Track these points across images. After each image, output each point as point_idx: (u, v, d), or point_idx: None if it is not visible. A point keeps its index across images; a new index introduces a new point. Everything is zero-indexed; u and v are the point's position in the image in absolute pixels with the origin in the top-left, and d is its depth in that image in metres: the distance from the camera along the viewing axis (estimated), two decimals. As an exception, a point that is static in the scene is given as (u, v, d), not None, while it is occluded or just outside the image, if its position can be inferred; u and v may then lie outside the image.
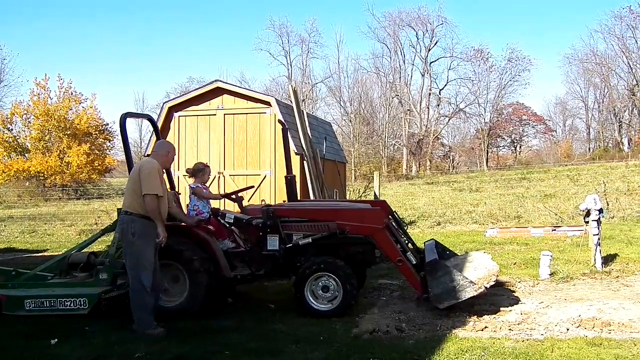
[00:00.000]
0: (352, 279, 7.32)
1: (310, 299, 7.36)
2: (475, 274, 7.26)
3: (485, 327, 6.71)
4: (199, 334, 6.75)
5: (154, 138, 13.21)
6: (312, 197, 11.68)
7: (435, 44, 62.09)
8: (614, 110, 62.41)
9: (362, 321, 7.12)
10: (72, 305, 7.64)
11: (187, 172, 8.42)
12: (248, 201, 8.99)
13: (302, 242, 7.61)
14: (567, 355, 5.53)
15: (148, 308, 6.81)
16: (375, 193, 16.00)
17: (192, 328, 7.00)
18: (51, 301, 7.71)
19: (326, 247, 7.68)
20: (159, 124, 12.90)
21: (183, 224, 7.79)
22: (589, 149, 66.73)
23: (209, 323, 7.16)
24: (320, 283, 7.34)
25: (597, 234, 9.76)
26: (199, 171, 8.22)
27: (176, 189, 8.81)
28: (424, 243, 8.15)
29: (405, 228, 8.15)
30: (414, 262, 7.45)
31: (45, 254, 14.98)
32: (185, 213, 8.09)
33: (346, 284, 7.24)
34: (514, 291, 8.47)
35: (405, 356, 5.67)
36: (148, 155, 7.66)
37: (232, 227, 8.10)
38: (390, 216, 8.05)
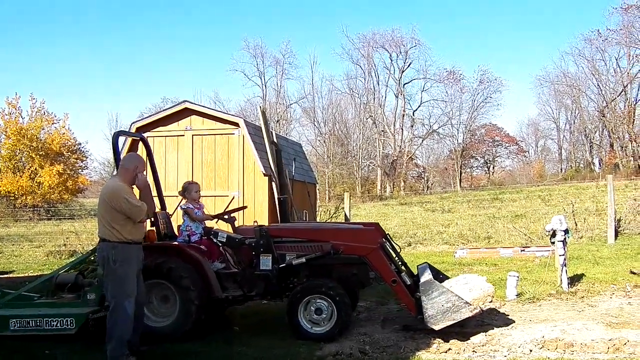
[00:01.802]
0: (345, 301, 7.23)
1: (304, 321, 7.25)
2: (471, 295, 7.19)
3: (449, 349, 6.70)
4: (161, 357, 6.66)
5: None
6: (279, 219, 11.63)
7: (409, 65, 62.69)
8: (585, 131, 63.26)
9: (326, 343, 7.06)
10: (58, 325, 7.49)
11: (179, 193, 8.38)
12: (216, 223, 8.88)
13: (296, 262, 7.50)
14: (529, 377, 5.52)
15: (125, 337, 6.57)
16: (345, 214, 16.00)
17: (154, 351, 6.91)
18: (37, 321, 7.55)
19: (320, 267, 7.60)
20: (127, 145, 12.83)
21: (171, 243, 7.77)
22: (561, 169, 67.45)
23: (172, 346, 7.05)
24: (313, 305, 7.24)
25: (563, 255, 9.81)
26: (185, 190, 8.20)
27: (167, 209, 8.67)
28: (417, 266, 8.07)
29: (399, 251, 8.03)
30: (409, 283, 7.37)
31: (11, 275, 14.73)
32: (178, 234, 8.05)
33: (340, 306, 7.15)
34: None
35: (367, 379, 5.62)
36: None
37: (223, 248, 8.00)
38: (383, 238, 7.98)
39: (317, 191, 35.90)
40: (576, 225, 17.06)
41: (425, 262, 8.37)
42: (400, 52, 62.38)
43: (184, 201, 8.27)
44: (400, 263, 7.80)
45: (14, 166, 42.39)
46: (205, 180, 12.18)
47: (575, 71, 62.43)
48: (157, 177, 8.62)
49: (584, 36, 62.17)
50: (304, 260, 7.49)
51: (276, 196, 11.95)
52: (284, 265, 7.55)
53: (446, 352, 6.60)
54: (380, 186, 57.92)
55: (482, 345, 6.77)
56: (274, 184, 11.98)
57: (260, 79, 64.22)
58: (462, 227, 20.49)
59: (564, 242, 9.85)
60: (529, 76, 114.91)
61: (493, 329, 7.41)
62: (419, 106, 63.31)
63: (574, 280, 10.31)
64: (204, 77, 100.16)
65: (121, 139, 9.06)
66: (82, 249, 18.33)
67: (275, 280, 7.54)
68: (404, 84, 62.66)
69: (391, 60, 62.99)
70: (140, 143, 9.13)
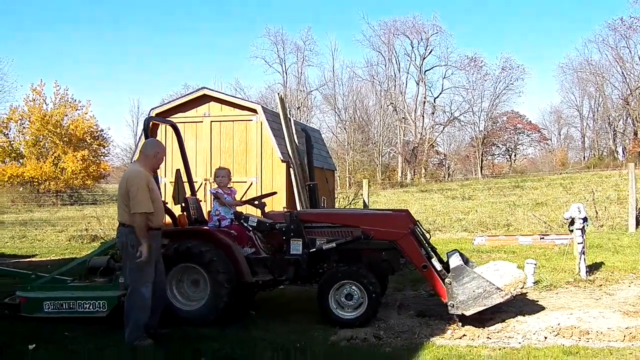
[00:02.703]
0: (376, 287, 7.22)
1: (334, 306, 7.25)
2: (502, 281, 7.12)
3: (464, 335, 6.70)
4: (178, 341, 6.73)
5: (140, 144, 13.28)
6: (298, 205, 11.66)
7: (430, 52, 62.34)
8: (609, 119, 62.55)
9: (340, 329, 7.09)
10: (90, 307, 7.62)
11: (214, 179, 8.47)
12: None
13: (326, 247, 7.50)
14: (542, 363, 5.52)
15: (142, 321, 6.67)
16: (364, 200, 16.01)
17: (172, 334, 6.99)
18: (70, 303, 7.69)
19: (349, 252, 7.60)
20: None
21: (202, 227, 7.83)
22: (584, 157, 66.83)
23: (190, 329, 7.12)
24: (344, 291, 7.24)
25: (582, 243, 9.75)
26: (215, 176, 8.27)
27: (196, 195, 8.74)
28: (447, 253, 7.98)
29: (429, 238, 7.95)
30: (439, 269, 7.29)
31: (34, 259, 14.95)
32: (208, 219, 8.10)
33: (370, 292, 7.14)
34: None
35: (382, 364, 5.65)
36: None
37: (253, 233, 8.03)
38: (414, 224, 7.91)
39: (337, 178, 35.95)
40: (597, 213, 16.92)
41: (455, 249, 8.31)
42: (422, 39, 62.07)
43: (214, 186, 8.30)
44: (430, 249, 7.67)
45: (37, 152, 42.86)
46: (224, 166, 12.21)
47: (599, 59, 61.81)
48: (187, 163, 8.69)
49: (608, 24, 61.43)
50: (334, 245, 7.48)
51: (294, 184, 11.98)
52: (314, 250, 7.56)
53: (461, 338, 6.61)
54: (401, 173, 57.80)
55: (497, 332, 6.78)
56: (291, 170, 12.01)
57: (281, 65, 64.25)
58: (481, 214, 20.40)
59: (583, 230, 9.79)
60: (552, 64, 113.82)
61: (509, 315, 7.38)
62: (440, 93, 63.05)
63: (593, 268, 10.25)
64: (225, 65, 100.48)
65: (173, 129, 9.01)
66: (103, 233, 18.55)
67: (306, 265, 7.55)
68: (425, 71, 62.41)
69: (412, 47, 62.72)
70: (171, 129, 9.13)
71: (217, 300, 7.40)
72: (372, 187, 29.08)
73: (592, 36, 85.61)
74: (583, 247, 9.78)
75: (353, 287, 7.21)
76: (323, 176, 14.52)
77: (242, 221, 7.88)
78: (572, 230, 9.98)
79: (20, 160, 43.29)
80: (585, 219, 9.81)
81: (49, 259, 14.97)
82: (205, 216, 8.38)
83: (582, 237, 9.78)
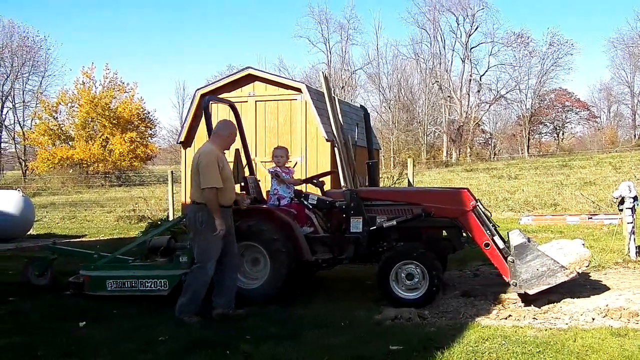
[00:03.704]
0: (437, 267, 7.16)
1: (395, 286, 7.20)
2: (566, 259, 7.02)
3: (510, 315, 6.65)
4: (220, 318, 6.82)
5: (186, 125, 13.41)
6: (342, 185, 11.65)
7: (476, 29, 61.16)
8: (661, 95, 60.86)
9: (385, 308, 7.08)
10: (152, 286, 7.79)
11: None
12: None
13: (387, 225, 7.46)
14: (590, 345, 5.43)
15: (201, 297, 6.83)
16: (409, 180, 15.91)
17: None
18: (132, 282, 7.88)
19: (409, 230, 7.58)
20: (191, 112, 13.06)
21: (262, 206, 7.89)
22: (635, 135, 65.18)
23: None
24: (404, 271, 7.19)
25: (632, 222, 9.56)
26: (273, 155, 8.28)
27: (255, 174, 8.80)
28: (507, 232, 7.87)
29: (490, 216, 7.80)
30: (502, 247, 7.18)
31: (84, 239, 15.29)
32: (267, 197, 8.16)
33: (432, 273, 7.06)
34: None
35: (426, 343, 5.63)
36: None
37: (311, 213, 8.06)
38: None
39: (382, 157, 35.79)
40: (647, 192, 16.53)
41: (516, 229, 8.18)
42: (467, 16, 60.89)
43: (272, 165, 8.34)
44: (492, 226, 7.50)
45: (87, 134, 43.65)
46: (268, 145, 12.26)
47: (652, 32, 59.96)
48: (245, 143, 8.70)
49: (662, -5, 59.52)
50: (394, 223, 7.44)
51: (338, 163, 11.96)
52: (374, 227, 7.52)
53: (506, 318, 6.56)
54: (446, 152, 57.20)
55: (543, 313, 6.70)
56: (336, 150, 12.00)
57: (325, 45, 63.90)
58: (528, 194, 20.13)
59: (633, 209, 9.58)
60: (602, 39, 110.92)
61: (556, 296, 7.27)
62: (486, 71, 61.90)
63: (643, 249, 10.04)
64: (269, 44, 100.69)
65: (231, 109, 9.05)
66: (150, 214, 18.87)
67: (366, 243, 7.53)
68: (471, 48, 61.29)
69: (457, 24, 61.62)
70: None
71: (277, 279, 7.45)
72: (416, 167, 28.91)
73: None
74: (633, 227, 9.59)
75: (414, 267, 7.14)
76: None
77: (302, 199, 7.90)
78: (621, 210, 9.79)
79: (70, 143, 44.15)
80: (635, 198, 9.60)
81: (98, 239, 15.31)
82: (264, 195, 8.39)
83: (632, 216, 9.58)
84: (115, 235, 15.87)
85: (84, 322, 6.81)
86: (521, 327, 6.16)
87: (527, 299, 7.10)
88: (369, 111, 14.13)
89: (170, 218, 16.04)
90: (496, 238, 7.24)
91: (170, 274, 7.79)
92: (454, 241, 7.65)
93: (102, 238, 15.36)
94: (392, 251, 7.36)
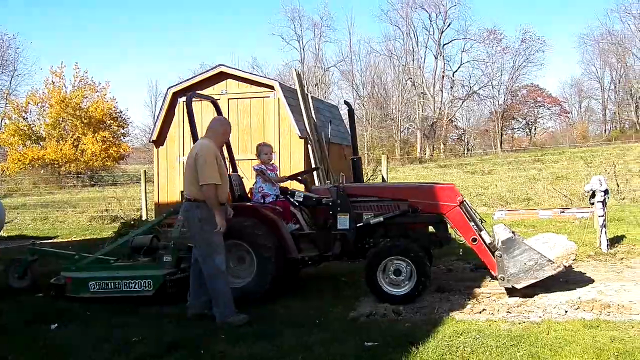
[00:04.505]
0: (425, 262, 7.13)
1: (383, 282, 7.15)
2: (553, 253, 7.08)
3: (484, 309, 6.67)
4: (195, 318, 6.77)
5: (158, 124, 13.31)
6: (316, 181, 11.63)
7: (449, 25, 61.68)
8: (631, 90, 61.70)
9: (360, 304, 7.12)
10: (136, 286, 7.65)
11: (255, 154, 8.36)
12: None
13: (374, 222, 7.44)
14: (563, 337, 5.47)
15: (228, 293, 6.63)
16: (383, 176, 15.95)
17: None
18: (116, 283, 7.72)
19: (396, 226, 7.55)
20: (164, 110, 12.96)
21: (247, 204, 7.77)
22: (605, 130, 66.12)
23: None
24: (392, 266, 7.15)
25: (602, 215, 9.67)
26: (260, 152, 8.15)
27: (239, 171, 8.70)
28: (493, 227, 7.90)
29: (473, 212, 7.71)
30: (489, 242, 7.19)
31: (55, 240, 15.11)
32: (251, 195, 8.05)
33: (419, 268, 7.04)
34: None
35: (401, 339, 5.62)
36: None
37: (295, 210, 7.98)
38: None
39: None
40: (618, 186, 16.77)
41: (501, 223, 8.20)
42: (440, 12, 61.42)
43: (257, 162, 8.27)
44: (480, 221, 7.52)
45: (58, 134, 43.15)
46: (241, 143, 12.23)
47: (621, 29, 61.01)
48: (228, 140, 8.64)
49: (631, -8, 60.29)
50: (381, 219, 7.43)
51: (312, 160, 11.95)
52: (361, 224, 7.50)
53: (480, 312, 6.58)
54: (420, 149, 57.48)
55: (517, 306, 6.73)
56: (309, 147, 11.98)
57: (299, 42, 64.00)
58: (501, 189, 20.31)
59: (604, 202, 9.70)
60: (573, 35, 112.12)
61: (528, 290, 7.32)
62: (459, 67, 62.42)
63: (614, 241, 10.18)
64: (242, 42, 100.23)
65: (213, 105, 8.92)
66: (123, 214, 18.69)
67: (352, 240, 7.50)
68: (444, 45, 61.82)
69: (430, 21, 62.10)
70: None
71: (263, 277, 7.38)
72: (390, 163, 28.99)
73: (614, 5, 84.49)
74: (604, 220, 9.70)
75: (401, 263, 7.11)
76: (341, 152, 14.47)
77: (288, 196, 7.85)
78: (592, 203, 9.91)
79: (41, 143, 43.61)
80: (606, 191, 9.72)
81: (70, 240, 15.13)
82: (248, 193, 8.28)
83: (603, 209, 9.69)
84: (87, 235, 15.70)
85: (56, 325, 6.71)
86: (495, 321, 6.19)
87: (499, 294, 7.16)
88: (343, 108, 14.12)
89: (144, 218, 15.90)
90: (483, 233, 7.28)
91: (155, 274, 7.69)
92: (441, 236, 7.64)
93: (74, 239, 15.17)
94: (379, 247, 7.30)
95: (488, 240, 7.21)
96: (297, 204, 7.89)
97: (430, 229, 7.84)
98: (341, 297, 7.55)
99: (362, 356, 5.23)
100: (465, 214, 7.33)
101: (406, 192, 7.72)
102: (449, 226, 7.61)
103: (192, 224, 6.71)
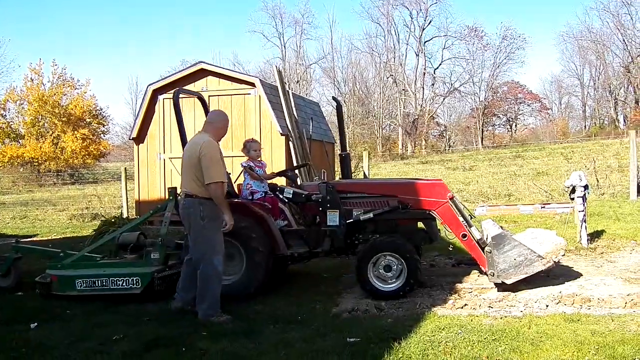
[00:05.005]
0: (415, 257, 7.10)
1: (373, 279, 7.10)
2: (543, 248, 7.08)
3: (465, 304, 6.69)
4: (176, 316, 6.71)
5: (138, 121, 13.22)
6: (297, 178, 11.60)
7: (430, 23, 61.94)
8: (610, 87, 62.29)
9: (342, 300, 7.12)
10: (124, 284, 7.53)
11: (241, 150, 8.29)
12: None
13: (364, 218, 7.42)
14: (544, 331, 5.50)
15: (217, 295, 6.55)
16: (364, 173, 15.97)
17: (169, 310, 6.97)
18: (103, 280, 7.59)
19: (385, 223, 7.52)
20: (144, 107, 12.88)
21: (235, 200, 7.64)
22: (585, 126, 66.66)
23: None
24: (382, 262, 7.11)
25: (583, 211, 9.72)
26: (244, 148, 8.11)
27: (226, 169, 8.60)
28: (481, 223, 7.90)
29: (462, 208, 7.66)
30: (478, 238, 7.20)
31: (35, 239, 14.95)
32: (239, 191, 7.97)
33: (409, 263, 7.02)
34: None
35: (382, 335, 5.62)
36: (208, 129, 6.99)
37: (283, 206, 7.93)
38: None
39: (337, 151, 35.83)
40: (598, 181, 16.88)
41: (489, 218, 8.22)
42: (421, 10, 61.60)
43: (245, 159, 8.19)
44: (470, 217, 7.50)
45: (37, 132, 42.77)
46: (223, 141, 12.06)
47: (599, 26, 61.71)
48: None
49: (609, -10, 60.85)
50: (371, 215, 7.41)
51: (293, 156, 11.93)
52: (351, 220, 7.47)
53: (462, 307, 6.59)
54: (402, 145, 57.62)
55: (499, 301, 6.76)
56: (291, 144, 11.96)
57: (280, 39, 63.88)
58: (482, 185, 20.40)
59: (584, 198, 9.75)
60: (553, 32, 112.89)
61: (511, 285, 7.36)
62: (440, 64, 62.74)
63: (594, 236, 10.24)
64: (223, 40, 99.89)
65: (199, 101, 8.81)
66: (104, 212, 18.54)
67: (342, 236, 7.47)
68: (425, 42, 62.03)
69: (411, 18, 62.29)
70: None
71: (252, 274, 7.34)
72: (372, 160, 29.05)
73: (593, 3, 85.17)
74: (584, 215, 9.76)
75: (391, 259, 7.09)
76: (323, 149, 14.46)
77: (277, 193, 7.80)
78: (573, 199, 9.95)
79: (20, 141, 43.21)
80: (586, 187, 9.77)
81: (50, 238, 14.98)
82: (235, 189, 8.19)
83: (583, 205, 9.75)
84: (68, 234, 15.54)
85: (36, 324, 6.63)
86: (477, 316, 6.20)
87: (481, 289, 7.18)
88: (323, 106, 14.11)
89: (125, 215, 15.79)
90: (473, 229, 7.29)
91: (143, 271, 7.59)
92: (430, 232, 7.65)
93: (54, 237, 15.02)
94: (370, 243, 7.27)
95: (478, 236, 7.24)
96: (286, 200, 7.84)
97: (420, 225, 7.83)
98: (323, 293, 7.53)
99: (344, 352, 5.21)
100: (455, 210, 7.34)
101: (396, 188, 7.69)
102: (438, 222, 7.60)
103: (193, 221, 6.56)
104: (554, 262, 7.05)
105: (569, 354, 4.89)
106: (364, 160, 16.04)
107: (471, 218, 7.54)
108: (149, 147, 13.28)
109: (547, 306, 6.45)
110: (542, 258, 6.89)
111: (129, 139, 14.29)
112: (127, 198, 16.70)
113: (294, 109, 12.50)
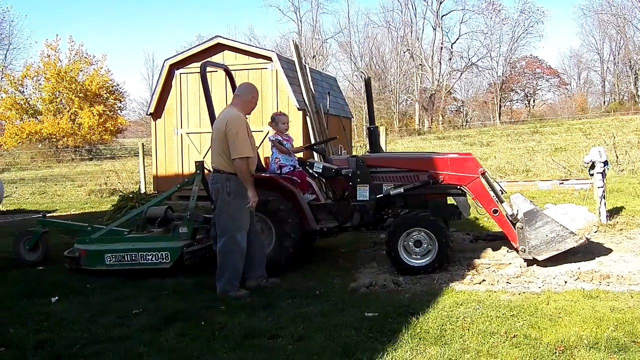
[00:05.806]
0: (445, 233, 7.08)
1: (403, 254, 7.08)
2: (574, 225, 7.01)
3: (483, 280, 6.67)
4: (195, 290, 6.77)
5: (155, 96, 13.22)
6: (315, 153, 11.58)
7: (447, -4, 61.02)
8: (630, 62, 61.33)
9: (360, 275, 7.13)
10: (154, 259, 7.56)
11: (268, 124, 8.24)
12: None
13: (394, 193, 7.36)
14: (562, 307, 5.48)
15: (238, 270, 6.57)
16: (381, 148, 15.89)
17: (188, 284, 7.04)
18: (132, 255, 7.62)
19: (415, 198, 7.48)
20: (161, 82, 12.87)
21: (264, 175, 7.60)
22: (604, 102, 65.86)
23: (206, 279, 7.12)
24: (412, 237, 7.08)
25: (602, 187, 9.64)
26: (272, 121, 8.04)
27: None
28: (510, 197, 7.80)
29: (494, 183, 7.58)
30: (510, 213, 7.15)
31: (54, 214, 15.08)
32: (266, 165, 7.94)
33: (440, 238, 6.98)
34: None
35: (400, 310, 5.63)
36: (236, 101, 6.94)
37: (311, 180, 7.91)
38: None
39: (354, 126, 35.76)
40: (617, 158, 16.73)
41: (518, 193, 8.16)
42: (438, -17, 60.76)
43: (272, 132, 8.14)
44: (501, 193, 7.42)
45: (54, 109, 42.93)
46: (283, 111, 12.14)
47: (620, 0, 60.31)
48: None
49: (631, -39, 59.69)
50: (402, 190, 7.35)
51: (310, 131, 11.89)
52: (381, 195, 7.43)
53: (480, 283, 6.58)
54: (418, 121, 57.27)
55: (517, 277, 6.74)
56: (308, 118, 11.92)
57: (295, 14, 63.40)
58: (500, 160, 20.28)
59: (603, 174, 9.66)
60: (572, 6, 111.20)
61: (528, 260, 7.31)
62: (458, 39, 61.95)
63: (613, 213, 10.17)
64: (239, 14, 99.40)
65: (226, 74, 8.76)
66: (122, 187, 18.66)
67: (372, 211, 7.44)
68: (442, 16, 61.22)
69: (429, -9, 61.46)
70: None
71: (281, 248, 7.33)
72: (389, 135, 28.91)
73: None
74: (603, 192, 9.68)
75: (422, 234, 7.05)
76: (340, 124, 14.41)
77: (307, 167, 7.75)
78: (592, 175, 9.86)
79: (38, 117, 43.42)
80: (606, 163, 9.68)
81: (69, 213, 15.11)
82: (264, 164, 8.13)
83: (603, 181, 9.66)
84: (86, 209, 15.67)
85: (56, 297, 6.70)
86: (495, 292, 6.19)
87: (499, 264, 7.15)
88: (339, 81, 14.05)
89: (143, 191, 15.88)
90: (505, 204, 7.22)
91: (171, 246, 7.63)
92: (461, 208, 7.55)
93: (73, 212, 15.15)
94: (402, 217, 7.22)
95: (509, 212, 7.17)
96: (316, 175, 7.80)
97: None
98: (341, 268, 7.56)
99: (362, 326, 5.22)
100: (486, 185, 7.28)
101: (427, 162, 7.60)
102: (468, 198, 7.54)
103: (220, 196, 6.58)
104: (587, 238, 6.99)
105: (588, 330, 4.86)
106: (381, 136, 15.96)
107: (502, 193, 7.45)
108: (166, 122, 13.29)
109: (565, 282, 6.42)
110: (574, 234, 6.82)
111: (147, 114, 14.32)
112: (144, 173, 16.78)
113: (310, 83, 12.45)
